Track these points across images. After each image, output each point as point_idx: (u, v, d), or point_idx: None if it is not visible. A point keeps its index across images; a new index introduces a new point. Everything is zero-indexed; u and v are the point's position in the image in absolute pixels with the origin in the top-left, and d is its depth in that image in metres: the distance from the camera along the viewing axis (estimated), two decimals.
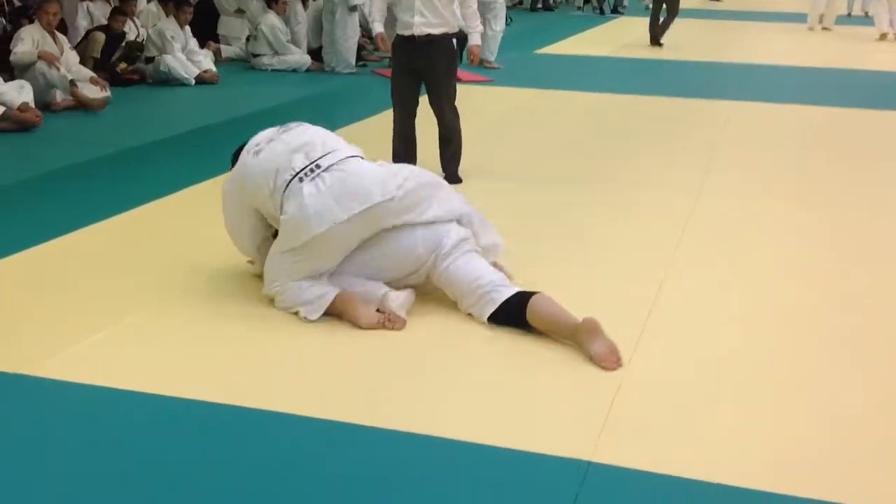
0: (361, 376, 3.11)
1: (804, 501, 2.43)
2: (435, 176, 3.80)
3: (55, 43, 7.63)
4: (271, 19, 10.12)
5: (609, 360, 3.15)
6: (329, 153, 3.55)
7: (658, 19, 12.79)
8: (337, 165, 3.50)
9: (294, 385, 3.03)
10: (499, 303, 3.42)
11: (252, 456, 2.59)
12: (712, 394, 3.02)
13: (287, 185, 3.47)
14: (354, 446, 2.67)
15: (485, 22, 10.65)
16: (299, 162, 3.51)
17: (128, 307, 3.58)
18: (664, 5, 12.68)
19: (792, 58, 11.93)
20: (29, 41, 7.40)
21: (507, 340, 3.38)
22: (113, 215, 4.70)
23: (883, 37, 13.94)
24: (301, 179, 3.46)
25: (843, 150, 6.73)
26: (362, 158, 3.66)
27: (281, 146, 3.59)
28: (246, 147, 3.73)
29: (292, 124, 3.79)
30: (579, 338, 3.25)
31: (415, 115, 5.50)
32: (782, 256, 4.40)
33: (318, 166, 3.49)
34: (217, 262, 4.06)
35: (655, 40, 12.68)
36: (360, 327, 3.40)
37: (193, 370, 3.11)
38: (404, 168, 3.76)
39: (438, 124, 5.49)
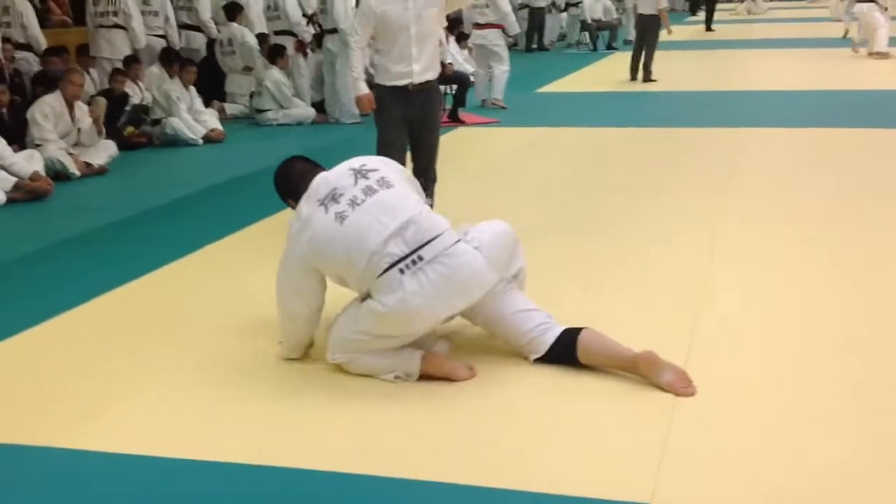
0: (400, 429, 3.02)
1: None
2: (504, 226, 3.56)
3: (72, 114, 7.64)
4: (275, 75, 10.15)
5: (683, 387, 3.13)
6: (429, 241, 3.24)
7: (640, 55, 12.76)
8: (440, 259, 3.23)
9: (336, 443, 2.95)
10: (549, 345, 3.35)
11: None
12: (768, 424, 2.93)
13: (384, 273, 3.20)
14: (402, 501, 2.58)
15: (489, 64, 10.73)
16: (397, 248, 3.21)
17: (151, 375, 3.49)
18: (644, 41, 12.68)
19: (791, 83, 11.94)
20: (46, 120, 7.41)
21: (546, 377, 3.31)
22: (128, 281, 4.62)
23: (872, 55, 13.99)
24: (402, 271, 3.20)
25: (857, 170, 6.68)
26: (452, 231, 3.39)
27: (370, 219, 3.26)
28: (316, 193, 3.37)
29: (367, 167, 3.46)
30: (641, 371, 3.20)
31: None
32: (813, 278, 4.33)
33: (420, 258, 3.21)
34: (239, 322, 3.99)
35: (636, 74, 12.67)
36: (459, 379, 3.30)
37: (225, 432, 3.03)
38: (492, 228, 3.48)
39: (422, 175, 4.96)
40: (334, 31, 9.80)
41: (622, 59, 16.14)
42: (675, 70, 13.53)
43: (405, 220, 3.27)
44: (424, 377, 3.31)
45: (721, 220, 5.33)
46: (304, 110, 10.25)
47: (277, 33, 10.98)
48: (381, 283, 3.22)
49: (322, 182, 3.42)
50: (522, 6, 17.81)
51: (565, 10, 19.83)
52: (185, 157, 8.61)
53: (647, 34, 12.62)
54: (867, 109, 9.42)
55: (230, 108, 10.80)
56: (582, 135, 8.69)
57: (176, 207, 6.44)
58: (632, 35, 18.88)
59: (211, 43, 11.23)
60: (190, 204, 6.57)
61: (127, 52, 9.78)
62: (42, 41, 9.55)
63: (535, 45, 18.67)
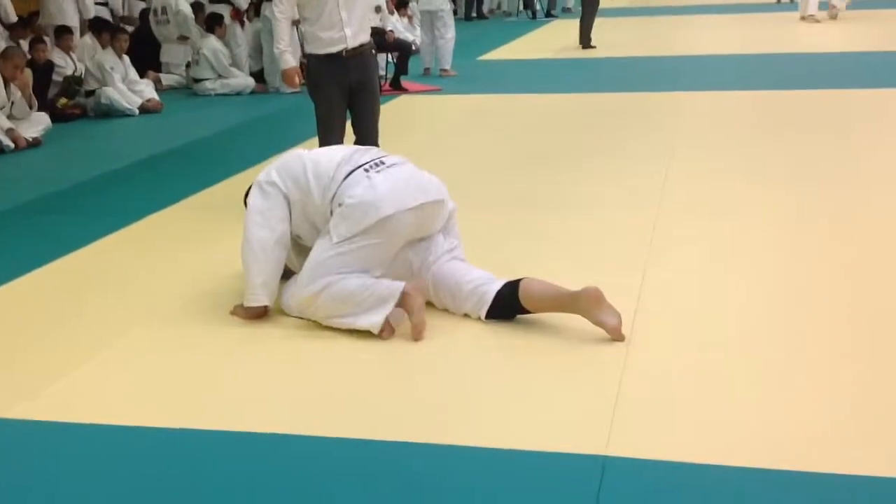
0: (361, 389, 3.00)
1: (821, 476, 2.40)
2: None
3: (7, 88, 7.39)
4: (212, 43, 9.97)
5: (619, 332, 3.19)
6: (389, 156, 3.60)
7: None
8: (400, 164, 3.55)
9: (293, 403, 2.92)
10: (491, 296, 3.38)
11: (272, 481, 2.48)
12: (715, 376, 2.97)
13: (349, 175, 3.45)
14: (364, 460, 2.57)
15: (434, 31, 10.67)
16: (362, 158, 3.53)
17: (97, 343, 3.43)
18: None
19: (726, 47, 12.07)
20: None
21: (497, 336, 3.33)
22: (68, 252, 4.52)
23: (805, 18, 14.22)
24: (367, 170, 3.46)
25: (792, 129, 6.79)
26: None
27: (336, 150, 3.69)
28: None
29: None
30: (582, 306, 3.24)
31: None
32: (758, 234, 4.40)
33: (382, 163, 3.51)
34: (184, 291, 3.94)
35: (587, 43, 12.69)
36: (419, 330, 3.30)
37: (181, 398, 2.98)
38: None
39: (364, 145, 4.67)
40: None
41: (562, 26, 16.21)
42: (615, 37, 13.59)
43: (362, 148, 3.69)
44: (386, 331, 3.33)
45: (667, 181, 5.38)
46: (243, 80, 10.09)
47: (213, 1, 10.76)
48: (347, 184, 3.43)
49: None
50: None
51: None
52: (121, 127, 8.42)
53: (587, 1, 12.65)
54: (804, 72, 9.56)
55: (166, 79, 10.59)
56: (525, 102, 8.69)
57: (114, 178, 6.30)
58: (570, 3, 19.06)
59: (145, 12, 10.98)
60: (128, 175, 6.43)
61: (75, 22, 9.57)
62: (11, 13, 9.32)
63: (474, 14, 18.63)
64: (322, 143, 4.70)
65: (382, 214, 3.34)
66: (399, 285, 3.35)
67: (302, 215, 3.56)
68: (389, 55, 9.91)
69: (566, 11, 18.86)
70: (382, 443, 2.65)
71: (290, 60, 4.99)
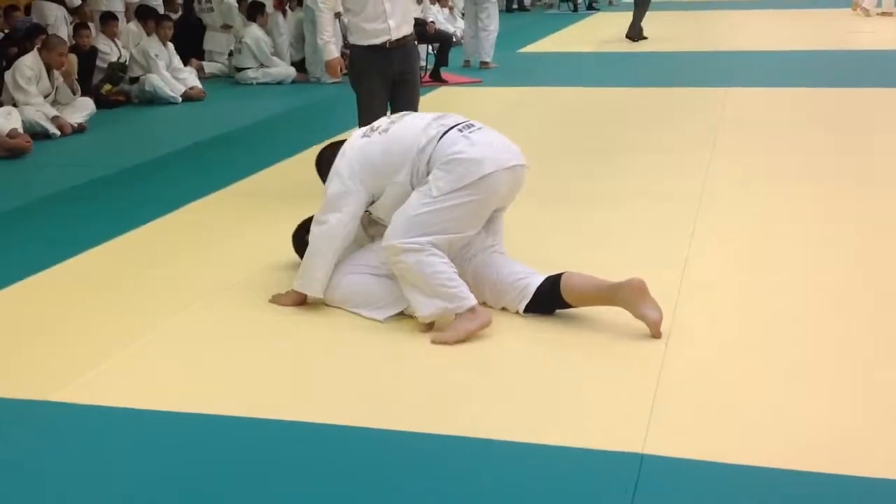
0: (400, 382, 3.02)
1: (855, 479, 2.37)
2: None
3: (50, 74, 7.49)
4: (255, 32, 10.03)
5: (658, 329, 3.19)
6: (472, 121, 3.54)
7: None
8: (487, 129, 3.50)
9: (329, 393, 2.94)
10: (532, 290, 3.38)
11: (297, 467, 2.51)
12: (754, 374, 2.95)
13: (444, 135, 3.40)
14: (403, 452, 2.59)
15: (478, 21, 10.65)
16: (450, 121, 3.48)
17: (140, 328, 3.47)
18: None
19: (775, 43, 11.93)
20: (29, 83, 7.28)
21: (535, 331, 3.33)
22: (112, 237, 4.57)
23: (857, 7, 14.05)
24: (461, 131, 3.42)
25: (844, 129, 6.70)
26: None
27: (411, 121, 3.57)
28: (353, 138, 3.62)
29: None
30: (625, 298, 3.24)
31: None
32: (800, 232, 4.35)
33: (472, 125, 3.47)
34: (225, 279, 3.96)
35: (637, 36, 12.61)
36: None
37: (218, 385, 3.02)
38: None
39: None
40: None
41: (604, 18, 16.11)
42: (662, 30, 13.48)
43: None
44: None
45: (709, 178, 5.34)
46: (285, 69, 10.14)
47: None
48: (444, 143, 3.38)
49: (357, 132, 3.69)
50: None
51: None
52: (164, 115, 8.51)
53: None
54: (854, 69, 9.43)
55: (209, 67, 10.67)
56: (566, 95, 8.65)
57: (158, 165, 6.37)
58: None
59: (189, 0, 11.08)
60: (172, 162, 6.50)
61: (120, 7, 9.73)
62: None
63: (515, 6, 18.57)
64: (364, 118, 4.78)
65: (485, 171, 3.32)
66: (472, 301, 3.30)
67: (390, 198, 3.49)
68: (430, 46, 9.91)
69: (610, 5, 18.74)
70: (422, 434, 2.66)
71: (334, 51, 5.05)
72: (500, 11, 17.97)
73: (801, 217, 4.61)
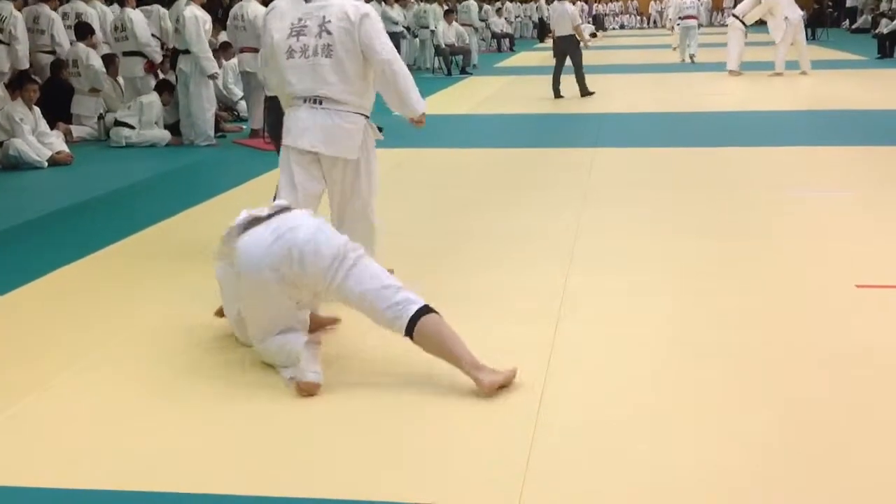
0: (264, 445, 2.97)
1: None
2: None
3: None
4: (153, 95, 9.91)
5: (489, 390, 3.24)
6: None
7: (560, 74, 13.28)
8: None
9: (195, 464, 2.87)
10: (405, 325, 3.35)
11: None
12: (628, 427, 3.02)
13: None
14: None
15: None
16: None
17: (9, 399, 3.32)
18: (566, 59, 13.27)
19: (640, 106, 12.44)
20: None
21: (409, 388, 3.32)
22: None
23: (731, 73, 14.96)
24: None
25: (697, 184, 7.01)
26: None
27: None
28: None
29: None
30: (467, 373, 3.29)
31: None
32: (668, 284, 4.51)
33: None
34: (87, 348, 3.86)
35: (559, 93, 13.14)
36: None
37: (86, 456, 2.91)
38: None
39: None
40: (187, 51, 9.62)
41: (477, 82, 16.50)
42: (532, 93, 13.88)
43: None
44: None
45: (580, 234, 5.48)
46: (158, 132, 9.98)
47: (126, 54, 10.66)
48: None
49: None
50: None
51: (416, 35, 20.03)
52: (29, 180, 8.22)
53: (568, 53, 13.22)
54: (706, 130, 9.90)
55: (77, 131, 10.41)
56: (444, 156, 8.79)
57: (20, 232, 6.14)
58: (476, 60, 19.43)
59: (57, 63, 10.82)
60: (35, 228, 6.27)
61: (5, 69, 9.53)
62: None
63: None
64: None
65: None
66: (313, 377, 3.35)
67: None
68: None
69: (475, 68, 19.29)
70: (285, 499, 2.61)
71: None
72: None
73: (669, 269, 4.78)
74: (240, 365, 3.62)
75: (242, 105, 11.41)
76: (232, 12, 10.55)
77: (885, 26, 20.11)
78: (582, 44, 13.44)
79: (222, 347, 3.81)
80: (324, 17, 4.14)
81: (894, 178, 7.00)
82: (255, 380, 3.47)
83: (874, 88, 13.52)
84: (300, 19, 4.17)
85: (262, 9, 10.40)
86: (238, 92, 11.64)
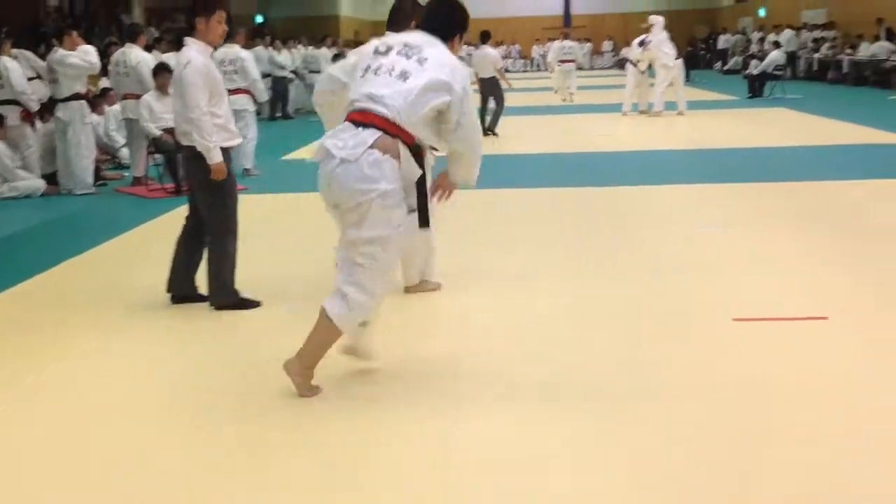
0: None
1: None
2: None
3: None
4: None
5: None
6: None
7: (486, 113, 13.60)
8: None
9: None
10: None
11: None
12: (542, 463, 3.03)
13: None
14: None
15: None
16: None
17: None
18: (490, 98, 13.71)
19: (531, 147, 12.67)
20: None
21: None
22: None
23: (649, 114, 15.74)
24: None
25: (586, 222, 7.16)
26: None
27: None
28: None
29: None
30: None
31: None
32: (555, 315, 4.57)
33: None
34: None
35: (486, 133, 13.21)
36: None
37: None
38: None
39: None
40: (67, 99, 9.37)
41: None
42: None
43: None
44: None
45: (470, 275, 5.52)
46: (33, 182, 9.64)
47: (1, 103, 10.28)
48: None
49: None
50: (265, 75, 17.81)
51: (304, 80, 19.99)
52: None
53: (493, 94, 13.68)
54: (594, 170, 10.15)
55: None
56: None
57: None
58: None
59: None
60: None
61: None
62: None
63: (279, 114, 18.70)
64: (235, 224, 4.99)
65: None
66: None
67: None
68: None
69: None
70: None
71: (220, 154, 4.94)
72: (264, 119, 18.14)
73: (555, 303, 4.85)
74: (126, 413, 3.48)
75: (124, 152, 11.14)
76: (114, 58, 10.35)
77: (754, 67, 21.11)
78: (504, 84, 13.99)
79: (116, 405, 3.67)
80: None
81: (769, 213, 7.29)
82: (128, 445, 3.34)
83: (746, 127, 14.13)
84: None
85: (144, 55, 10.25)
86: (120, 139, 11.37)
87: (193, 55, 4.84)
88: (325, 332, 3.59)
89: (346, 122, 3.55)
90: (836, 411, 3.45)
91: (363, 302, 3.54)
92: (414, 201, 3.61)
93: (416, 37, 3.70)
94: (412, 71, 3.51)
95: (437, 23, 3.76)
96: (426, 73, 3.51)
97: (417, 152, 3.58)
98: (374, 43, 3.71)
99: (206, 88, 4.85)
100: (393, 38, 3.71)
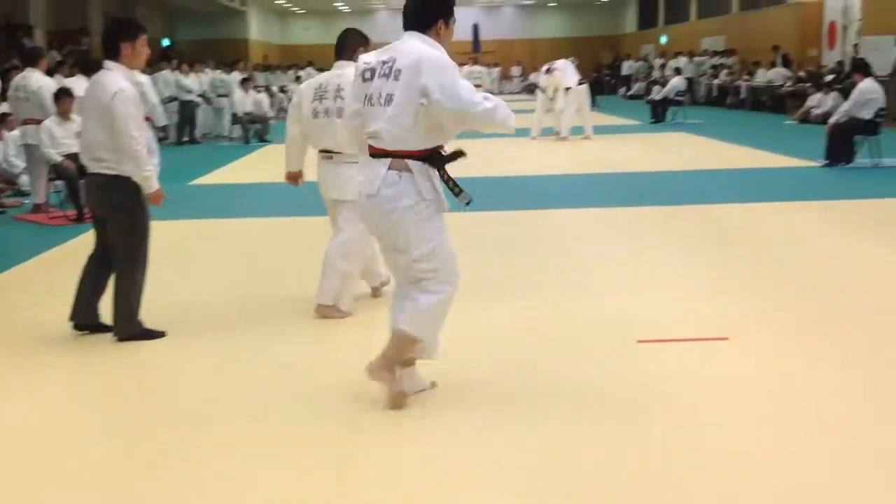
0: None
1: None
2: None
3: None
4: None
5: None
6: None
7: None
8: None
9: None
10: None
11: None
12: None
13: None
14: None
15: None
16: None
17: None
18: None
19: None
20: None
21: None
22: None
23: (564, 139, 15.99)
24: None
25: (492, 247, 7.24)
26: None
27: None
28: None
29: None
30: None
31: None
32: (460, 341, 4.61)
33: None
34: None
35: None
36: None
37: None
38: None
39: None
40: None
41: (274, 151, 16.39)
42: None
43: None
44: None
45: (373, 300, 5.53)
46: None
47: None
48: None
49: None
50: (172, 99, 17.55)
51: (211, 104, 19.74)
52: None
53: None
54: (500, 194, 10.28)
55: None
56: (235, 227, 8.65)
57: None
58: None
59: None
60: None
61: None
62: None
63: (186, 138, 18.42)
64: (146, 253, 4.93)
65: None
66: None
67: None
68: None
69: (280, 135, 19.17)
70: None
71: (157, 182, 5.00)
72: (171, 144, 17.85)
73: (459, 327, 4.89)
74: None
75: (24, 178, 10.83)
76: (14, 83, 10.07)
77: (657, 93, 21.69)
78: None
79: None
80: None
81: (672, 236, 7.50)
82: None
83: (649, 151, 14.51)
84: None
85: (45, 79, 9.98)
86: (20, 164, 11.05)
87: (123, 83, 4.73)
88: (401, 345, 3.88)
89: (369, 156, 3.83)
90: (739, 430, 3.56)
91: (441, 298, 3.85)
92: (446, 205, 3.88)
93: (393, 47, 3.83)
94: (393, 90, 3.71)
95: (413, 14, 3.83)
96: (400, 85, 3.68)
97: (444, 157, 3.88)
98: (360, 66, 3.87)
99: (139, 117, 4.76)
100: (372, 57, 3.87)
